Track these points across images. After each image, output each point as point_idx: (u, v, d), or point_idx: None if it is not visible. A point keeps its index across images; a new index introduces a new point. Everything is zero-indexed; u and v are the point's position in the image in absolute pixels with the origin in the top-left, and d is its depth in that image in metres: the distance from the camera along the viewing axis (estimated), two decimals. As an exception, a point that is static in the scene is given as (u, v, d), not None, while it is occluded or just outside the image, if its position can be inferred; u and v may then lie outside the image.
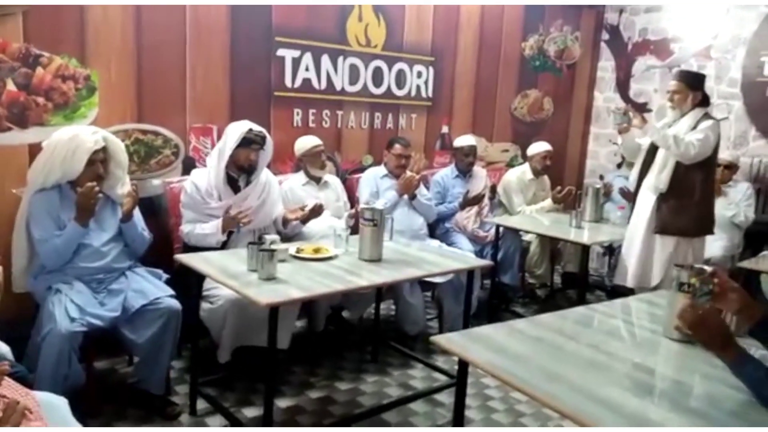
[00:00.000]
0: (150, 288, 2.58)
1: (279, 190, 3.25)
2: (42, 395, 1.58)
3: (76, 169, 2.54)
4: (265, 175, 3.12)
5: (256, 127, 2.98)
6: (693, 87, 3.17)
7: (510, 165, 4.84)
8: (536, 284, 4.45)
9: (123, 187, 2.72)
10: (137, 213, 2.74)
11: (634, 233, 3.33)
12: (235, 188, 3.00)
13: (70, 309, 2.36)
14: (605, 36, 5.39)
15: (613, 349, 1.70)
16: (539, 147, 4.38)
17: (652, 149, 3.28)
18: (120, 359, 3.04)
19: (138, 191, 2.73)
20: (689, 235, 3.22)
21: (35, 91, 2.80)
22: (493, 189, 4.16)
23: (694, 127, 3.13)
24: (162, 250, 2.95)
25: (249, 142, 2.93)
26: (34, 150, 2.71)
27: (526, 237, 4.19)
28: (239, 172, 2.99)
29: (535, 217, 4.08)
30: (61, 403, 1.63)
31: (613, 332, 1.86)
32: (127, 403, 2.66)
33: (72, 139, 2.53)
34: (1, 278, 1.55)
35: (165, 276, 2.76)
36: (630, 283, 3.32)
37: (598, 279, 4.87)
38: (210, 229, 2.88)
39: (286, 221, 3.12)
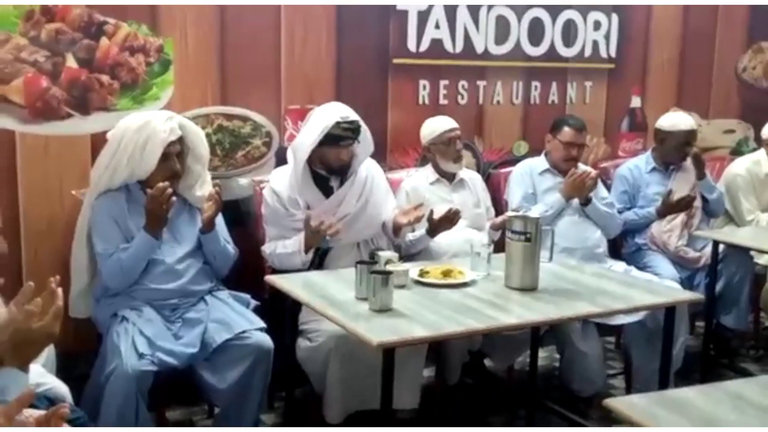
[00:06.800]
0: (235, 318, 2.80)
1: (386, 185, 3.38)
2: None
3: (147, 165, 2.82)
4: (365, 168, 3.23)
5: (347, 114, 3.04)
6: None
7: (737, 152, 4.69)
8: (776, 330, 4.26)
9: (203, 187, 2.98)
10: (220, 221, 2.99)
11: None
12: (327, 190, 3.15)
13: (139, 342, 2.62)
14: None
15: None
16: (780, 123, 4.20)
17: None
18: (198, 409, 3.29)
19: (222, 193, 2.96)
20: None
21: (99, 67, 3.15)
22: (710, 188, 4.02)
23: None
24: (250, 268, 3.18)
25: (336, 138, 3.02)
26: (98, 141, 3.05)
27: (762, 260, 4.02)
28: (329, 173, 3.14)
29: (775, 231, 3.92)
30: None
31: None
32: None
33: (142, 129, 2.81)
34: (60, 303, 1.76)
35: (254, 303, 2.99)
36: None
37: None
38: (292, 246, 3.03)
39: (397, 227, 3.21)
